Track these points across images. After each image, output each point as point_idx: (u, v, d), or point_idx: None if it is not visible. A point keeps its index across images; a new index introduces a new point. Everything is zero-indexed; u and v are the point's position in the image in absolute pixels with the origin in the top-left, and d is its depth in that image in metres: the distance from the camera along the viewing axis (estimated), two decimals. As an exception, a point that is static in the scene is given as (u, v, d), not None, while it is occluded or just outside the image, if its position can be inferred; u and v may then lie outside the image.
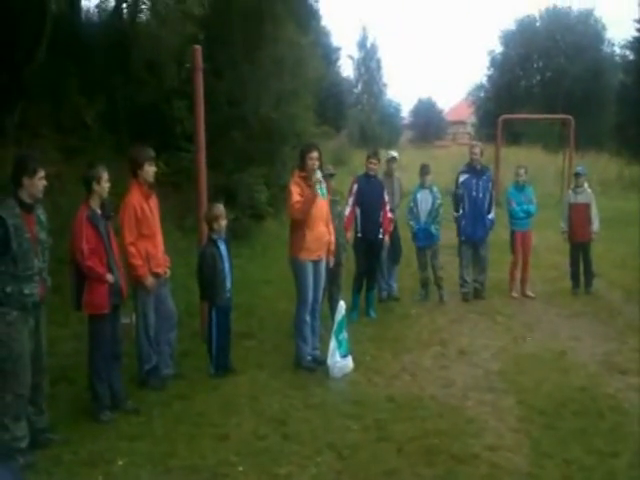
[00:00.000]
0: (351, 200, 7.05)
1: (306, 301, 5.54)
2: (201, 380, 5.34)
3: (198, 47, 6.50)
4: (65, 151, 9.67)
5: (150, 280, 5.05)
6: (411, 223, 7.81)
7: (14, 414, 4.04)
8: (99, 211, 4.60)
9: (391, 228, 7.36)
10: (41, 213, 4.20)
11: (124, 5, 12.65)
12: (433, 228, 7.70)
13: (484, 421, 4.56)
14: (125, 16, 12.91)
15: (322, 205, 5.57)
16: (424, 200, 7.72)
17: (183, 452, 4.12)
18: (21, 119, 9.53)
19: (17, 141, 9.19)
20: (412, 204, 7.82)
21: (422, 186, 7.79)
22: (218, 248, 5.39)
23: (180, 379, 5.30)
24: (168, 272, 5.33)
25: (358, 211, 7.04)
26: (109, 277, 4.56)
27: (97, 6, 13.66)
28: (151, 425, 4.52)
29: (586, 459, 3.99)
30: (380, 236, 7.04)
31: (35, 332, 4.15)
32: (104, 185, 4.60)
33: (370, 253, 7.03)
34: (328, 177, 6.66)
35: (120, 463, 4.00)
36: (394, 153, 8.13)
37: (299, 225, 5.48)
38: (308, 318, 5.56)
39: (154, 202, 5.25)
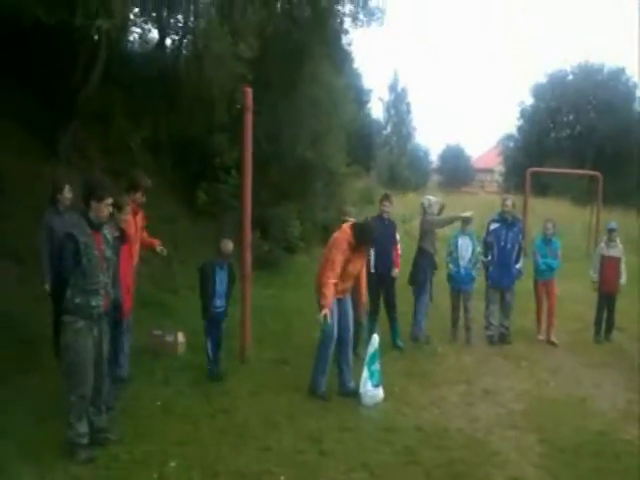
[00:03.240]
0: None
1: (331, 336, 5.80)
2: (242, 397, 5.74)
3: (248, 89, 6.90)
4: (110, 173, 10.26)
5: None
6: (450, 266, 8.14)
7: (77, 413, 4.45)
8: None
9: (400, 265, 7.81)
10: (107, 233, 4.60)
11: (169, 42, 13.36)
12: (474, 273, 8.08)
13: (507, 455, 4.87)
14: (168, 50, 13.61)
15: (359, 264, 5.95)
16: (464, 246, 8.08)
17: (229, 459, 4.50)
18: (72, 140, 10.16)
19: (67, 161, 9.81)
20: (452, 248, 8.16)
21: (462, 232, 8.17)
22: (214, 271, 6.19)
23: (224, 395, 5.72)
24: None
25: (372, 250, 7.44)
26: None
27: (140, 37, 14.29)
28: (198, 433, 4.91)
29: (602, 495, 4.28)
30: (391, 273, 7.53)
31: (98, 341, 4.52)
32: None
33: (382, 287, 7.49)
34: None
35: (172, 465, 4.38)
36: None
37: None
38: (329, 353, 5.82)
39: (140, 217, 6.04)
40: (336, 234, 5.95)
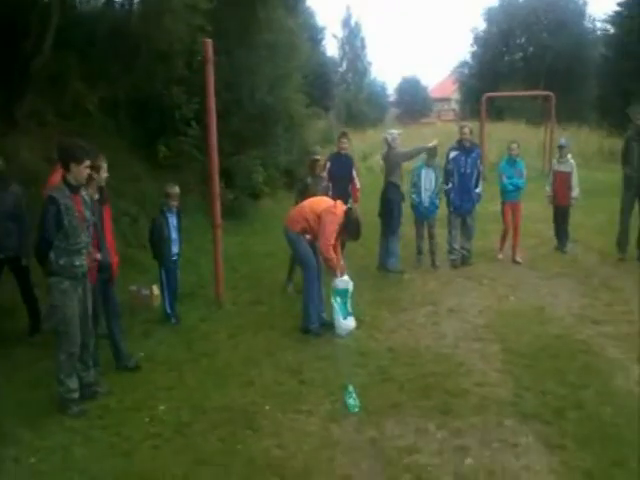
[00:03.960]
0: (325, 174, 7.91)
1: (311, 265, 6.09)
2: (221, 340, 6.01)
3: (209, 40, 6.83)
4: (68, 137, 10.11)
5: None
6: (413, 196, 8.42)
7: (67, 370, 4.63)
8: None
9: (359, 198, 8.24)
10: (85, 194, 4.69)
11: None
12: (437, 201, 8.39)
13: (473, 364, 5.26)
14: (117, 5, 13.18)
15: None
16: (428, 178, 8.34)
17: (215, 396, 4.78)
18: (29, 109, 9.95)
19: (26, 131, 9.64)
20: (416, 179, 8.42)
21: (427, 164, 8.39)
22: (167, 219, 6.40)
23: (204, 340, 5.97)
24: None
25: (330, 184, 7.83)
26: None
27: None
28: (183, 378, 5.16)
29: (560, 390, 4.70)
30: (349, 205, 7.70)
31: (82, 299, 4.67)
32: None
33: None
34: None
35: (162, 408, 4.64)
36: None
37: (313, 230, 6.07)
38: (316, 282, 6.14)
39: None
40: (332, 208, 6.04)
